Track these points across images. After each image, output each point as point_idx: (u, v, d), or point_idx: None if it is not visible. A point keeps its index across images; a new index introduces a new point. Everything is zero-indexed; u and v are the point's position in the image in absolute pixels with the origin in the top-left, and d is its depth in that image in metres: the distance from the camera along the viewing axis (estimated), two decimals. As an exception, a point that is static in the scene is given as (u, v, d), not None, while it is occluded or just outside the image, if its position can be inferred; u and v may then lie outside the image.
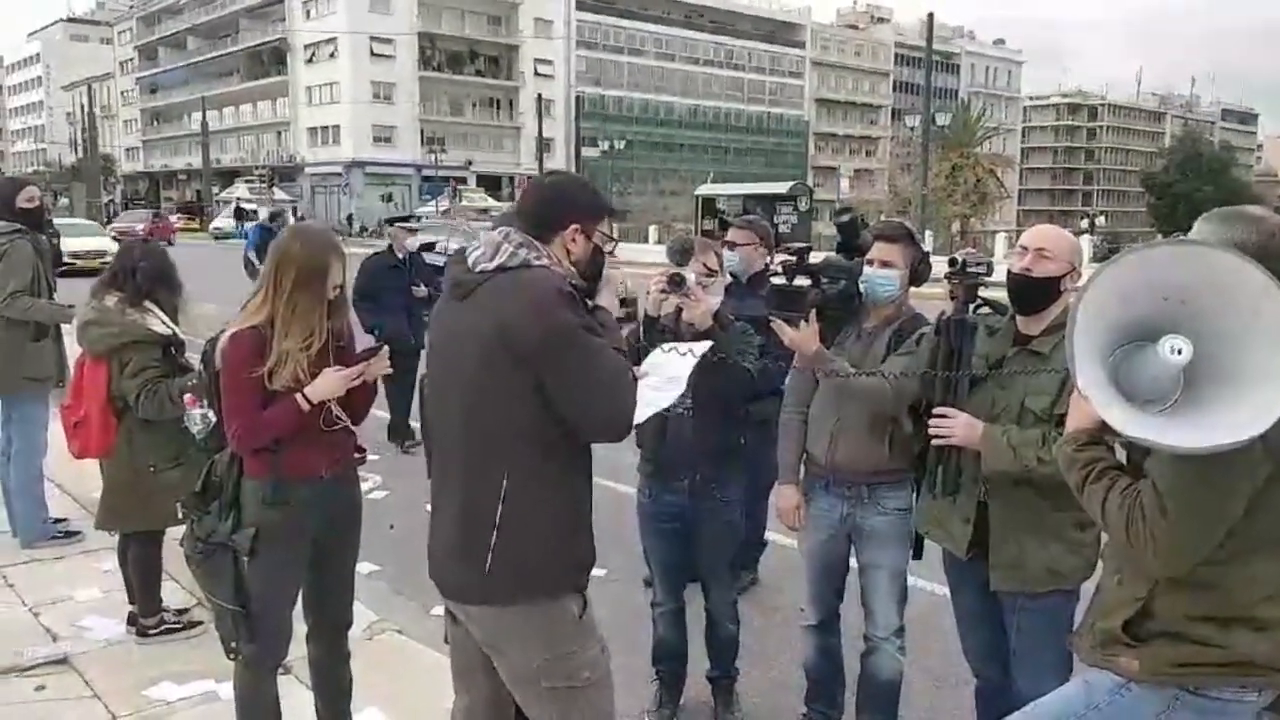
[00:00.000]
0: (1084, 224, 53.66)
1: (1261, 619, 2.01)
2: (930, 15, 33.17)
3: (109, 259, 4.44)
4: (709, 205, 32.13)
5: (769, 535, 5.14)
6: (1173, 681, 2.05)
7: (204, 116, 56.70)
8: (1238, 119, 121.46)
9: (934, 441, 2.83)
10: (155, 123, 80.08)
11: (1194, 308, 1.88)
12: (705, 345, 2.75)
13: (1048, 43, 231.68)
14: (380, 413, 7.06)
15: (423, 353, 3.03)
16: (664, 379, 2.53)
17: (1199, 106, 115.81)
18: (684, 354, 2.62)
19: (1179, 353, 1.85)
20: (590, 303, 2.35)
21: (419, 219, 20.89)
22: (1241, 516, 1.93)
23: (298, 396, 2.84)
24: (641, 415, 2.35)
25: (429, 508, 2.47)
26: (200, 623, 4.13)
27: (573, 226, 2.34)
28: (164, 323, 3.95)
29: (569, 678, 2.31)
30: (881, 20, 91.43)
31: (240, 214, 29.54)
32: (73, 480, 5.78)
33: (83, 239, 22.06)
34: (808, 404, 3.34)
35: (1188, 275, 1.87)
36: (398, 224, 8.52)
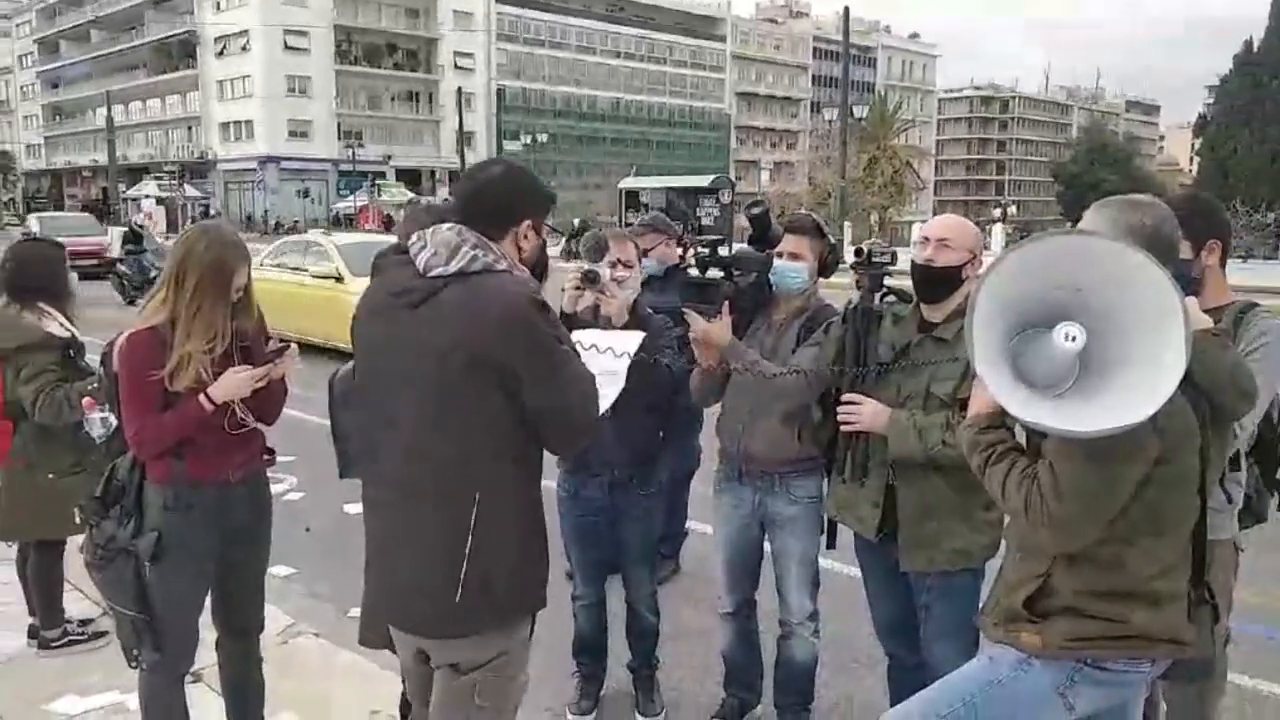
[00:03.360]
0: (996, 213, 55.05)
1: (1155, 593, 2.08)
2: (846, 9, 33.58)
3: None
4: (633, 198, 32.16)
5: (690, 524, 5.18)
6: (1071, 656, 2.11)
7: (109, 111, 54.60)
8: (1141, 111, 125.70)
9: (842, 428, 2.89)
10: (57, 118, 77.12)
11: (1087, 295, 1.93)
12: (637, 339, 2.65)
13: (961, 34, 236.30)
14: (293, 412, 6.83)
15: None
16: (599, 374, 2.48)
17: (1104, 99, 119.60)
18: (620, 355, 2.57)
19: (1073, 339, 1.90)
20: None
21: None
22: (1134, 495, 2.00)
23: (200, 398, 2.76)
24: None
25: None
26: (105, 633, 3.99)
27: (526, 222, 2.20)
28: (63, 325, 3.81)
29: (498, 698, 2.24)
30: (800, 14, 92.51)
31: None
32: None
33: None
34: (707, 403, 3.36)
35: (1081, 264, 1.93)
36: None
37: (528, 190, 2.25)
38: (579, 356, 2.21)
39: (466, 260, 2.07)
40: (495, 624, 2.17)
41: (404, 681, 2.56)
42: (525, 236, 2.21)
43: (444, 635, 2.20)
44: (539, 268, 2.28)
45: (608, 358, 2.54)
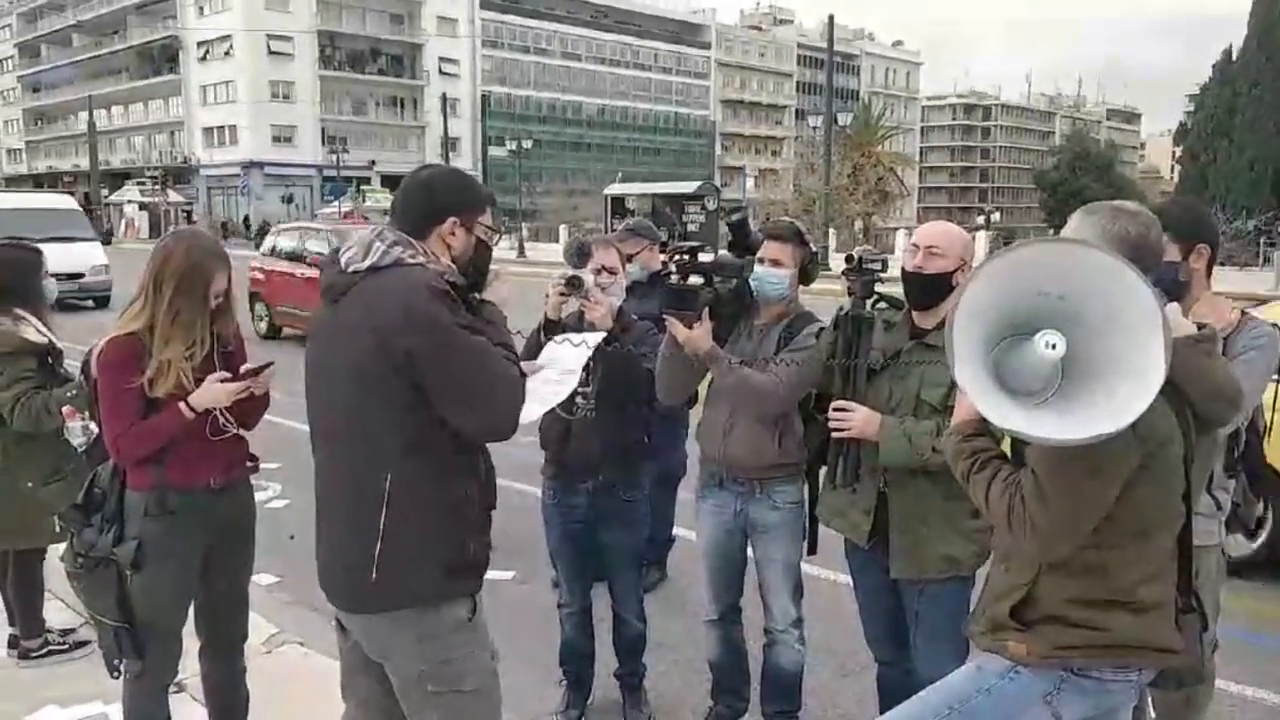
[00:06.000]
0: (980, 220, 55.33)
1: (1139, 600, 2.08)
2: (831, 17, 33.70)
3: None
4: (619, 205, 32.19)
5: (676, 530, 5.17)
6: (1058, 664, 2.11)
7: (91, 116, 54.34)
8: (1122, 118, 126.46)
9: (834, 434, 2.88)
10: (39, 123, 76.67)
11: (1069, 303, 1.93)
12: (599, 336, 2.72)
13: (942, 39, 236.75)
14: (279, 419, 6.77)
15: None
16: (559, 372, 2.51)
17: (1085, 106, 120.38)
18: (577, 344, 2.60)
19: (1054, 348, 1.89)
20: (476, 298, 2.29)
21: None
22: (1115, 502, 2.00)
23: (181, 405, 2.74)
24: (537, 412, 2.31)
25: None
26: (87, 643, 3.94)
27: (450, 220, 2.26)
28: (39, 331, 3.76)
29: (453, 683, 2.26)
30: (784, 21, 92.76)
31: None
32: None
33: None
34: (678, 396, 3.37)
35: (1063, 271, 1.92)
36: None
37: (451, 189, 2.32)
38: (495, 346, 2.21)
39: (378, 255, 2.18)
40: (410, 604, 2.22)
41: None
42: (453, 234, 2.27)
43: (360, 610, 2.28)
44: (475, 266, 2.32)
45: (565, 348, 2.58)
